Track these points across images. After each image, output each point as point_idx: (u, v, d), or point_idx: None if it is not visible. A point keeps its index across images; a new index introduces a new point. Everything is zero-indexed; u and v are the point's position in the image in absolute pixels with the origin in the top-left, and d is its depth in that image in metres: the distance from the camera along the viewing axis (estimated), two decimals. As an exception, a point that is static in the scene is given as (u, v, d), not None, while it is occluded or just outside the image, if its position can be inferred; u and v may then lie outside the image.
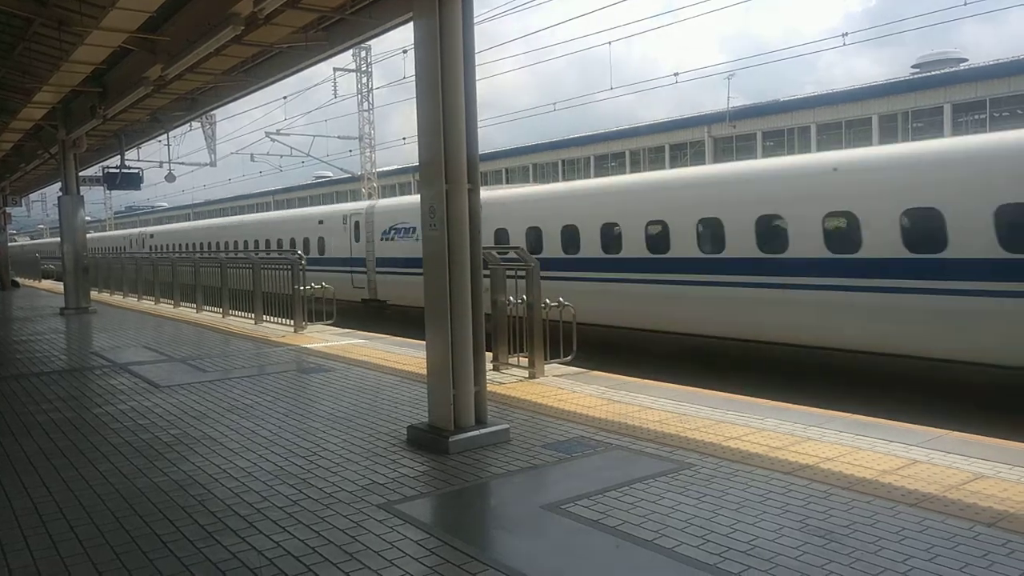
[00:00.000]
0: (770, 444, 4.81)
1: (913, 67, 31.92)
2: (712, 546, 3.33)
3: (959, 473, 4.16)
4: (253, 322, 12.48)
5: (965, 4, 19.27)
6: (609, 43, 33.00)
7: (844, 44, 21.50)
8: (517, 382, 7.01)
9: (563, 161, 40.77)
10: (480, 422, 5.15)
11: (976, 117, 25.57)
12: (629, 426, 5.36)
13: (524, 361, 7.34)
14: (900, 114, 27.24)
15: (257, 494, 4.19)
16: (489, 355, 6.97)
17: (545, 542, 3.48)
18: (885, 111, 27.60)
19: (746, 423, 5.35)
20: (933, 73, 28.25)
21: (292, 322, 11.41)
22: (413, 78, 5.16)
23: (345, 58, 32.52)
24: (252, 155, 34.48)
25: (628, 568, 3.19)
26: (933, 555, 3.17)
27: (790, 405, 5.95)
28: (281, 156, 34.18)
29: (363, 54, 32.27)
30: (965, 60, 30.03)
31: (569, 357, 7.62)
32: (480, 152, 5.29)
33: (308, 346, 9.88)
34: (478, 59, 5.23)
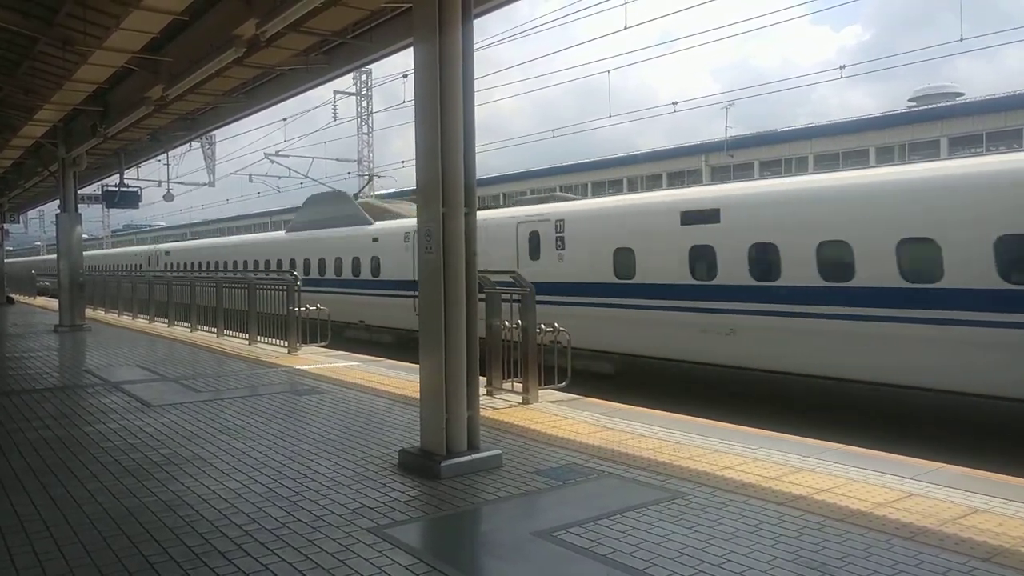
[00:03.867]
0: (764, 474, 4.79)
1: (910, 100, 32.27)
2: (704, 577, 3.30)
3: (955, 507, 4.13)
4: (247, 342, 12.44)
5: (961, 40, 19.55)
6: (608, 71, 33.49)
7: (841, 76, 21.77)
8: (511, 407, 6.98)
9: (560, 187, 40.97)
10: (472, 447, 5.12)
11: (973, 151, 25.80)
12: (622, 454, 5.33)
13: (518, 387, 7.31)
14: (897, 146, 27.48)
15: (246, 516, 4.14)
16: (483, 380, 6.96)
17: (534, 569, 3.44)
18: (882, 143, 27.85)
19: (740, 452, 5.32)
20: (931, 107, 28.53)
21: (286, 343, 11.38)
22: (412, 102, 5.21)
23: (345, 81, 32.88)
24: (251, 176, 34.61)
25: (619, 598, 3.15)
26: (927, 589, 3.14)
27: (784, 435, 5.93)
28: (279, 177, 34.28)
29: (363, 78, 32.60)
30: (962, 94, 30.37)
31: (563, 383, 7.59)
32: (478, 177, 5.31)
33: (301, 367, 9.84)
34: (477, 84, 5.29)
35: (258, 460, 5.30)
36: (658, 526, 3.91)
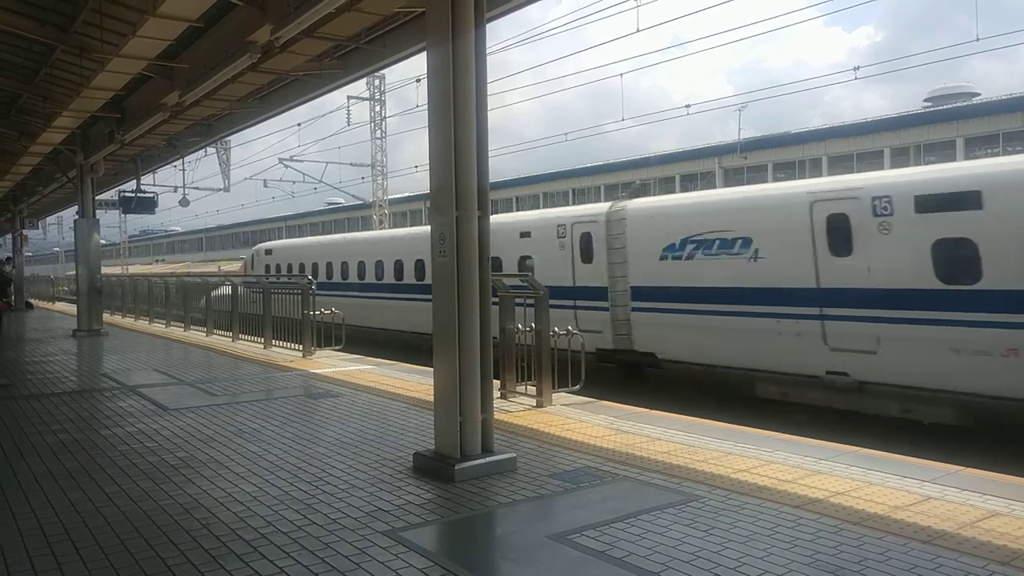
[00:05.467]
0: (779, 477, 4.76)
1: (925, 100, 32.02)
2: (720, 580, 3.29)
3: (973, 510, 4.09)
4: (262, 346, 12.52)
5: (977, 40, 19.41)
6: (621, 75, 33.25)
7: (855, 78, 21.64)
8: (524, 411, 6.97)
9: (574, 190, 40.99)
10: (487, 450, 5.12)
11: (989, 151, 25.53)
12: (637, 457, 5.31)
13: (532, 390, 7.31)
14: (912, 147, 27.26)
15: (262, 519, 4.17)
16: (497, 383, 6.97)
17: (549, 572, 3.43)
18: (897, 144, 27.63)
19: (755, 455, 5.29)
20: (946, 107, 28.27)
21: (301, 347, 11.44)
22: (426, 107, 5.23)
23: (359, 87, 33.04)
24: (265, 181, 34.87)
25: (634, 601, 3.14)
26: (946, 593, 3.12)
27: (800, 438, 5.89)
28: (294, 182, 34.58)
29: (377, 83, 32.74)
30: (978, 94, 30.10)
31: (577, 386, 7.59)
32: (491, 180, 5.33)
33: (316, 371, 9.89)
34: (489, 88, 5.30)
35: (273, 463, 5.33)
36: (673, 529, 3.89)
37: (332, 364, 10.49)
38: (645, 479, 4.78)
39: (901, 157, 27.47)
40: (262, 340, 12.64)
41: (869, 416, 8.74)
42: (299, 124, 34.77)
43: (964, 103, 28.46)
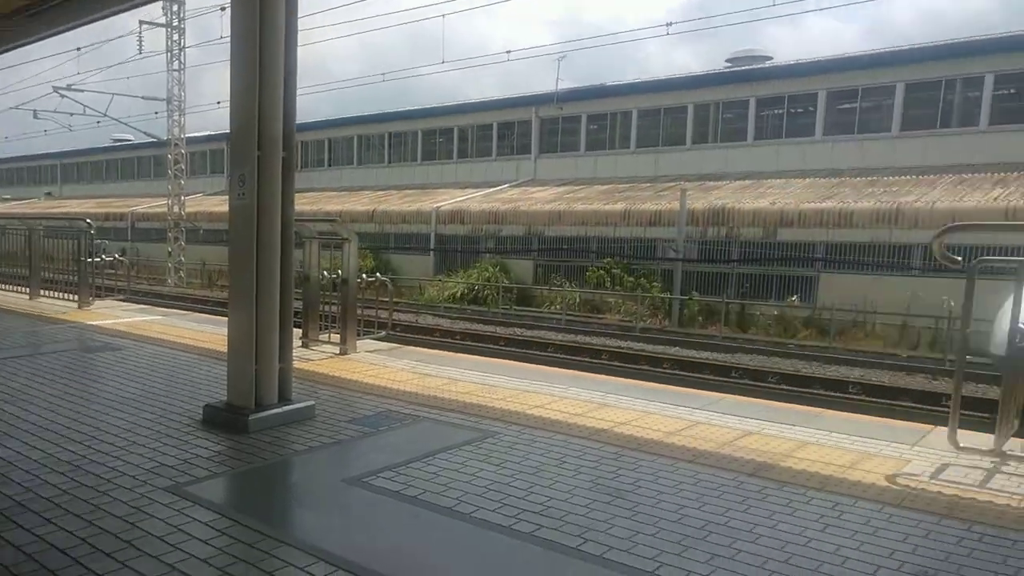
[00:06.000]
0: (570, 411, 5.05)
1: (727, 61, 34.49)
2: (508, 509, 3.44)
3: (731, 431, 4.61)
4: (28, 297, 11.15)
5: (773, 5, 21.09)
6: (443, 16, 32.47)
7: (667, 34, 22.77)
8: (327, 359, 6.82)
9: (390, 134, 40.09)
10: (284, 399, 4.96)
11: (775, 112, 28.12)
12: (437, 398, 5.40)
13: (336, 337, 7.15)
14: (712, 104, 29.40)
15: (18, 485, 3.74)
16: (299, 332, 6.74)
17: (344, 516, 3.42)
18: (700, 101, 29.66)
19: (548, 392, 5.57)
20: (742, 68, 30.67)
21: (76, 297, 10.32)
22: (229, 38, 4.79)
23: (154, 10, 29.76)
24: (35, 111, 30.76)
25: (424, 536, 3.21)
26: (702, 503, 3.50)
27: (590, 375, 6.28)
28: (72, 114, 30.79)
29: (175, 7, 29.70)
30: (771, 58, 32.88)
31: (383, 333, 7.53)
32: (300, 121, 5.04)
33: (94, 323, 8.99)
34: (300, 24, 4.96)
35: (36, 424, 4.79)
36: (468, 465, 4.01)
37: (115, 315, 9.59)
38: (444, 419, 4.88)
39: (702, 113, 29.54)
40: (27, 291, 11.25)
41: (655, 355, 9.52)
42: (79, 48, 30.78)
43: (758, 66, 30.95)
